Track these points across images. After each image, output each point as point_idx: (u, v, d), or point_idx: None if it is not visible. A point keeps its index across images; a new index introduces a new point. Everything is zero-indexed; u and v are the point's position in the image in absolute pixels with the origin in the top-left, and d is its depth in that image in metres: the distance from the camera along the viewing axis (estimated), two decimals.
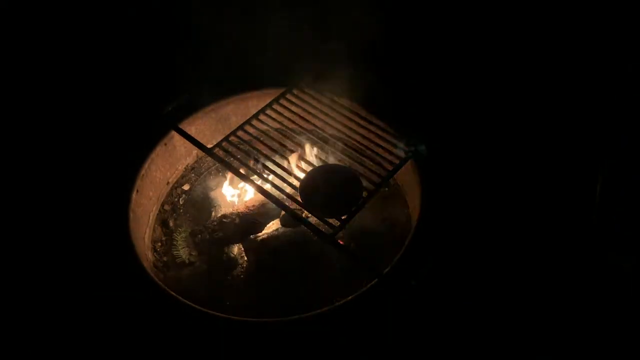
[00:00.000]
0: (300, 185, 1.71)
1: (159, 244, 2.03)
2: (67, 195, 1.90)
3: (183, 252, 1.99)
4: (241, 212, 1.96)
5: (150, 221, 2.03)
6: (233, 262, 1.95)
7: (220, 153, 1.81)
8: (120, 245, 1.76)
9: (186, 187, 2.20)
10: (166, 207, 2.13)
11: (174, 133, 1.99)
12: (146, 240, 1.97)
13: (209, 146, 1.83)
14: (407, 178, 1.97)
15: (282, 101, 1.96)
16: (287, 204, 1.77)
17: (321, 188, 1.69)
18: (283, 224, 1.99)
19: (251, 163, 1.84)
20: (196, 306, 1.62)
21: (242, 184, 2.11)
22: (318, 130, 1.88)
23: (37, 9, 2.53)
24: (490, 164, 1.95)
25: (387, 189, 2.09)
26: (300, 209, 1.85)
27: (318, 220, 1.66)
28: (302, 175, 1.76)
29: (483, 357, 1.60)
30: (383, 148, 1.81)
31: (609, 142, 1.94)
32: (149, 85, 2.19)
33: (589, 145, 1.97)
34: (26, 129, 2.14)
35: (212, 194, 2.12)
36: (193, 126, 2.08)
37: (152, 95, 2.08)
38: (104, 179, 1.92)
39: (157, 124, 1.99)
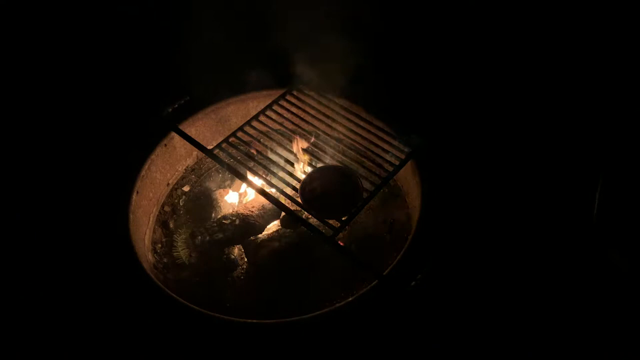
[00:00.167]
0: (301, 186, 1.71)
1: (159, 245, 2.02)
2: (68, 197, 1.90)
3: (183, 253, 1.99)
4: (241, 214, 1.96)
5: (150, 222, 2.03)
6: (233, 263, 1.95)
7: (221, 154, 1.81)
8: (120, 246, 1.76)
9: (186, 188, 2.20)
10: (166, 208, 2.13)
11: (174, 134, 1.99)
12: (146, 241, 1.97)
13: (209, 147, 1.83)
14: (407, 179, 1.97)
15: (282, 102, 1.96)
16: (287, 205, 1.77)
17: (321, 189, 1.70)
18: (283, 225, 1.99)
19: (251, 164, 1.84)
20: (196, 307, 1.62)
21: (242, 185, 2.11)
22: (318, 131, 1.88)
23: (37, 9, 2.54)
24: (490, 165, 1.95)
25: (387, 189, 2.09)
26: (301, 210, 1.85)
27: (318, 222, 1.66)
28: (302, 177, 1.76)
29: (483, 357, 1.60)
30: (383, 149, 1.81)
31: (609, 142, 1.94)
32: (149, 86, 2.19)
33: (590, 145, 1.97)
34: (26, 131, 2.14)
35: (213, 195, 2.12)
36: (193, 127, 2.08)
37: (152, 96, 2.08)
38: (104, 180, 1.92)
39: (157, 125, 1.99)
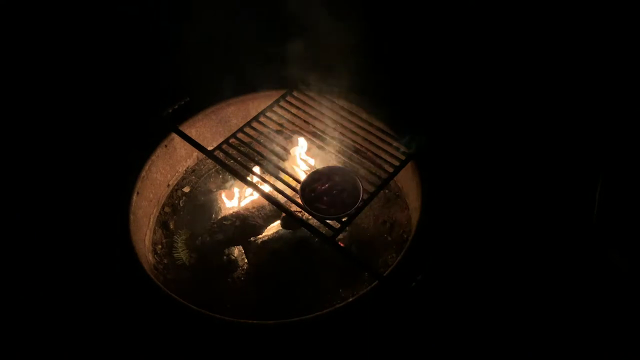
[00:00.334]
0: (301, 187, 1.71)
1: (160, 246, 2.03)
2: (68, 198, 1.90)
3: (183, 254, 1.99)
4: (241, 215, 1.96)
5: (150, 223, 2.03)
6: (233, 264, 1.95)
7: (221, 155, 1.81)
8: (120, 247, 1.76)
9: (186, 189, 2.20)
10: (167, 209, 2.13)
11: (174, 135, 1.99)
12: (146, 242, 1.97)
13: (210, 148, 1.83)
14: (407, 180, 1.97)
15: (283, 103, 1.96)
16: (287, 206, 1.77)
17: (321, 190, 1.69)
18: (283, 226, 1.99)
19: (252, 165, 1.84)
20: (196, 308, 1.62)
21: (242, 186, 2.11)
22: (318, 132, 1.88)
23: (37, 9, 2.54)
24: (490, 165, 1.95)
25: (387, 190, 2.09)
26: (301, 211, 1.85)
27: (318, 223, 1.67)
28: (302, 177, 1.76)
29: (483, 357, 1.60)
30: (383, 150, 1.81)
31: (609, 142, 1.94)
32: (150, 87, 2.19)
33: (590, 145, 1.97)
34: (26, 132, 2.14)
35: (213, 196, 2.12)
36: (193, 128, 2.08)
37: (152, 97, 2.08)
38: (105, 181, 1.92)
39: (157, 126, 1.99)
